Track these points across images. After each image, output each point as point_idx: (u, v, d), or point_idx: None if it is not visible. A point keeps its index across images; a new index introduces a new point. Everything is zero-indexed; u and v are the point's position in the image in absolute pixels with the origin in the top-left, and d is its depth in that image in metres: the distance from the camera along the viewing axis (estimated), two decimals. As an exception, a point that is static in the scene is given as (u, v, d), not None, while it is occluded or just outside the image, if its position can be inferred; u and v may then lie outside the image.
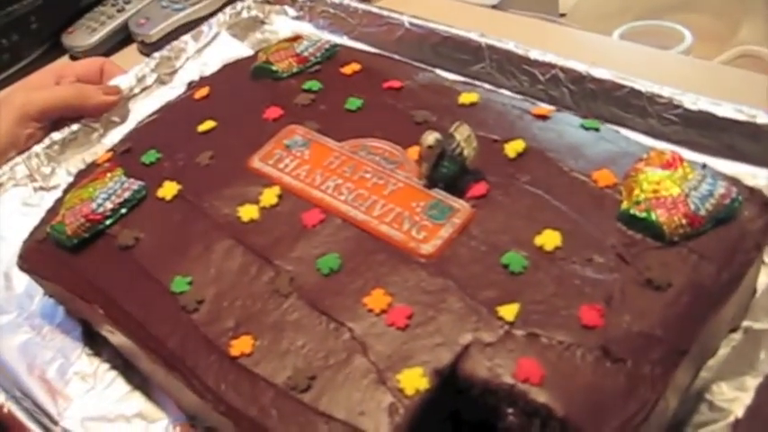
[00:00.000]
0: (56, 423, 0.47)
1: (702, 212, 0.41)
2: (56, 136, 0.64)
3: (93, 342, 0.51)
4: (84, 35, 0.82)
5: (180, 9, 0.81)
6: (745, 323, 0.44)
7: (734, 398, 0.41)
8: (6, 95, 0.64)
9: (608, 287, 0.39)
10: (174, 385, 0.42)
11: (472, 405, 0.37)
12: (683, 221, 0.40)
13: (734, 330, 0.43)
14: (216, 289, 0.43)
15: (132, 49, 0.82)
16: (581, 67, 0.58)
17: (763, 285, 0.45)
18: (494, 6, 0.78)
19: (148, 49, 0.79)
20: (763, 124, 0.51)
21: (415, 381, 0.37)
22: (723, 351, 0.43)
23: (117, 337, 0.46)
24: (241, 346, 0.40)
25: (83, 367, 0.50)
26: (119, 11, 0.84)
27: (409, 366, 0.37)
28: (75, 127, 0.65)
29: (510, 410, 0.36)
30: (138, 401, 0.48)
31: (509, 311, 0.38)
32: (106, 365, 0.50)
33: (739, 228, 0.41)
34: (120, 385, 0.49)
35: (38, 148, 0.63)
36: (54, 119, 0.64)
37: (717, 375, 0.42)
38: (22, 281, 0.56)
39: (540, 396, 0.35)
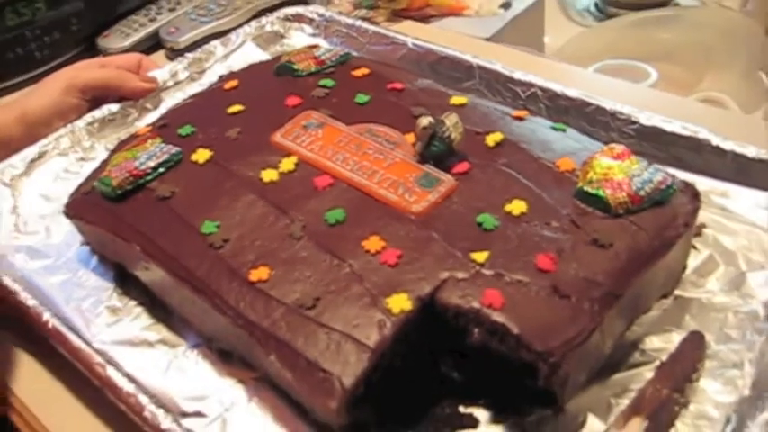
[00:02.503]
0: (89, 344, 0.55)
1: (642, 193, 0.51)
2: (97, 114, 0.74)
3: (124, 284, 0.60)
4: (118, 39, 0.93)
5: (207, 21, 0.92)
6: (676, 292, 0.53)
7: (661, 348, 0.50)
8: (56, 73, 0.74)
9: (561, 243, 0.48)
10: (199, 308, 0.51)
11: (444, 329, 0.46)
12: (626, 199, 0.50)
13: (665, 296, 0.53)
14: (239, 232, 0.53)
15: (160, 54, 0.93)
16: (557, 87, 0.69)
17: (693, 266, 0.55)
18: (486, 39, 0.90)
19: (175, 54, 0.90)
20: (703, 139, 0.61)
21: (401, 303, 0.46)
22: (655, 312, 0.52)
23: (150, 273, 0.55)
24: (259, 273, 0.49)
25: (113, 303, 0.59)
26: (151, 20, 0.95)
27: (397, 292, 0.46)
28: (113, 108, 0.75)
29: (476, 330, 0.45)
30: (160, 331, 0.56)
31: (480, 256, 0.48)
32: (134, 302, 0.59)
33: (672, 209, 0.52)
34: (146, 318, 0.57)
35: (80, 124, 0.73)
36: (96, 95, 0.74)
37: (648, 330, 0.51)
38: (61, 233, 0.65)
39: (500, 318, 0.44)
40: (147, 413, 0.47)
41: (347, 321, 0.46)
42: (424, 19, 0.95)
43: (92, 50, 0.94)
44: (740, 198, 0.59)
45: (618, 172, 0.52)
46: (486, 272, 0.47)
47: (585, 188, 0.51)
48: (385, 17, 0.94)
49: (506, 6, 0.97)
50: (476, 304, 0.45)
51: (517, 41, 0.92)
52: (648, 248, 0.49)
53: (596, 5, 1.25)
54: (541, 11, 1.02)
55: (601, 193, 0.50)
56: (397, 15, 0.94)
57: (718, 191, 0.60)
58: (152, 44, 0.94)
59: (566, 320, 0.45)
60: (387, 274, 0.48)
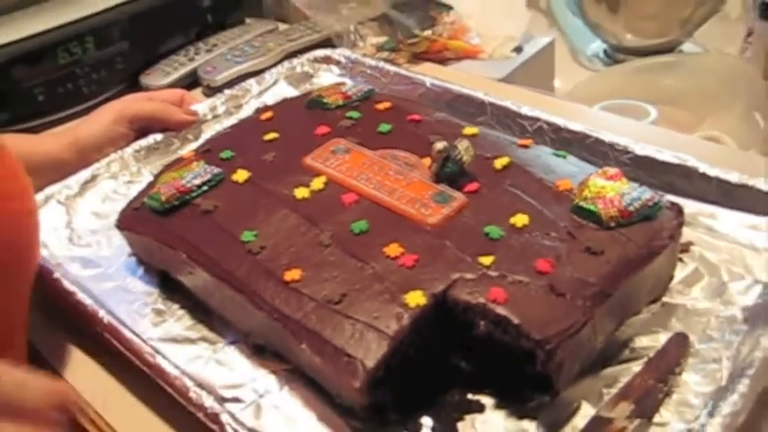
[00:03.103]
0: (139, 337, 0.63)
1: (631, 209, 0.58)
2: (143, 143, 0.83)
3: (167, 291, 0.68)
4: (159, 77, 1.03)
5: (241, 62, 1.01)
6: (664, 299, 0.61)
7: (649, 346, 0.57)
8: (107, 104, 0.84)
9: (558, 250, 0.56)
10: (238, 305, 0.59)
11: (454, 322, 0.54)
12: (617, 213, 0.58)
13: (654, 302, 0.60)
14: (275, 240, 0.61)
15: (197, 91, 1.03)
16: (561, 121, 0.77)
17: (680, 277, 0.62)
18: (499, 80, 0.98)
19: (212, 92, 0.99)
20: (692, 167, 0.69)
21: (416, 299, 0.53)
22: (644, 316, 0.59)
23: (194, 277, 0.63)
24: (292, 274, 0.57)
25: (158, 306, 0.67)
26: (189, 60, 1.05)
27: (413, 290, 0.54)
28: (158, 138, 0.84)
29: (482, 322, 0.53)
30: (200, 330, 0.64)
31: (486, 260, 0.55)
32: (176, 306, 0.66)
33: (659, 223, 0.59)
34: (187, 320, 0.65)
35: (128, 150, 0.82)
36: (143, 126, 0.83)
37: (638, 331, 0.58)
38: (111, 246, 0.73)
39: (503, 311, 0.52)
40: (192, 394, 0.55)
41: (369, 314, 0.53)
42: (442, 61, 1.04)
43: (134, 87, 1.03)
44: (725, 219, 0.67)
45: (610, 190, 0.59)
46: (492, 273, 0.55)
47: (581, 204, 0.59)
48: (406, 59, 1.03)
49: (518, 50, 1.06)
50: (482, 300, 0.53)
51: (528, 83, 1.00)
52: (636, 256, 0.56)
53: (605, 52, 1.34)
54: (551, 55, 1.11)
55: (594, 207, 0.58)
56: (417, 58, 1.04)
57: (705, 213, 0.68)
58: (190, 81, 1.03)
59: (561, 314, 0.52)
60: (405, 274, 0.56)
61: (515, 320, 0.51)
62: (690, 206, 0.68)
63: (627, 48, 1.29)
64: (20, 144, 0.78)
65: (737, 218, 0.67)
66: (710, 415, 0.49)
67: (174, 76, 1.02)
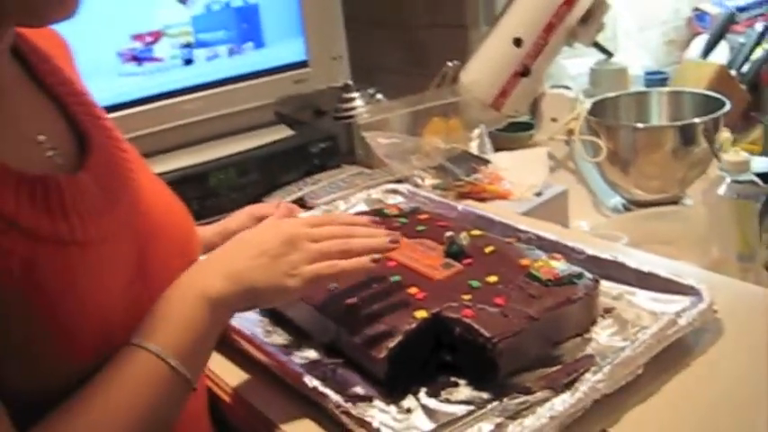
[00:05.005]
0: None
1: (562, 275, 0.99)
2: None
3: (271, 320, 1.12)
4: (276, 200, 1.52)
5: (334, 191, 1.50)
6: (585, 335, 1.00)
7: (570, 360, 0.96)
8: (244, 207, 1.32)
9: (511, 294, 0.97)
10: (320, 320, 1.02)
11: (443, 330, 0.95)
12: (552, 277, 0.99)
13: (577, 336, 0.99)
14: (347, 285, 1.04)
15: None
16: (543, 233, 1.19)
17: (600, 325, 1.01)
18: (520, 214, 1.42)
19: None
20: (621, 261, 1.09)
21: (422, 314, 0.95)
22: (570, 343, 0.98)
23: (295, 308, 1.07)
24: (353, 301, 1.00)
25: (267, 328, 1.10)
26: (299, 189, 1.54)
27: (420, 309, 0.96)
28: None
29: (457, 329, 0.94)
30: (293, 340, 1.07)
31: (466, 297, 0.97)
32: (279, 328, 1.10)
33: (581, 286, 1.00)
34: (285, 334, 1.08)
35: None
36: None
37: (565, 351, 0.97)
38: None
39: (469, 321, 0.93)
40: (293, 366, 0.97)
41: (394, 320, 0.95)
42: (481, 200, 1.49)
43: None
44: (639, 295, 1.06)
45: (551, 265, 1.01)
46: (467, 303, 0.96)
47: (532, 272, 1.01)
48: (454, 197, 1.48)
49: (539, 194, 1.50)
50: (459, 315, 0.94)
51: (545, 220, 1.43)
52: (562, 302, 0.97)
53: (623, 204, 1.76)
54: (565, 200, 1.53)
55: (538, 274, 1.00)
56: (462, 196, 1.49)
57: (628, 291, 1.07)
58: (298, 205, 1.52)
59: (504, 325, 0.92)
60: (418, 303, 0.98)
61: (475, 326, 0.92)
62: (618, 288, 1.08)
63: (637, 201, 1.71)
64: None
65: (647, 294, 1.06)
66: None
67: (288, 200, 1.51)
